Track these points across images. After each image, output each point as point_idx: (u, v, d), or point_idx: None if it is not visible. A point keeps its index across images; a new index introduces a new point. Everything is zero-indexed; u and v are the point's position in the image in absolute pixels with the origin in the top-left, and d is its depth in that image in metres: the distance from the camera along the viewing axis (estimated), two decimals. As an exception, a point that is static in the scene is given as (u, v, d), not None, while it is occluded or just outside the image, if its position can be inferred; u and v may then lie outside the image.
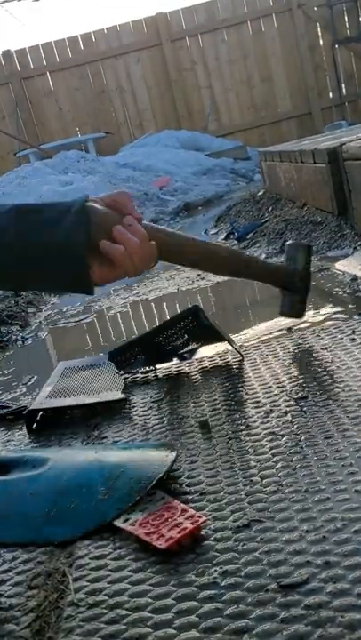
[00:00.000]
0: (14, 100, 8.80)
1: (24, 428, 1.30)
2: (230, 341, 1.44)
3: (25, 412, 1.32)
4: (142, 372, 1.47)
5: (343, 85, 9.04)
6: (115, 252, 0.97)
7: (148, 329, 1.72)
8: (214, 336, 1.45)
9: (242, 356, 1.40)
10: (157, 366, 1.48)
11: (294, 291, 1.40)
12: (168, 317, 1.67)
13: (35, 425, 1.29)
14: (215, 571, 0.73)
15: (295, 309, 1.43)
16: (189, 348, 1.50)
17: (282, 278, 1.38)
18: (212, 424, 1.10)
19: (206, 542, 0.78)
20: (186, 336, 1.46)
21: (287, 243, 1.45)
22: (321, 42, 9.03)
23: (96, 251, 0.97)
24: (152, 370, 1.47)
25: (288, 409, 1.09)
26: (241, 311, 1.98)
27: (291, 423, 1.04)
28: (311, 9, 8.90)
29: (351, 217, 2.36)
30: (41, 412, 1.32)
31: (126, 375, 1.46)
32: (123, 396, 1.30)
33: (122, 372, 1.45)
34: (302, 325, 1.57)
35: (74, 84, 8.89)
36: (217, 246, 1.35)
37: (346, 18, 8.93)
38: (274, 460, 0.93)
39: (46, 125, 8.87)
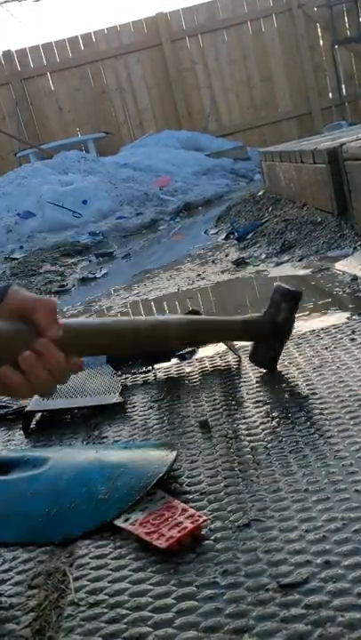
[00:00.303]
0: (14, 101, 8.80)
1: (24, 427, 1.30)
2: (229, 345, 1.44)
3: (22, 414, 1.32)
4: (142, 373, 1.47)
5: (343, 85, 9.04)
6: (9, 379, 0.77)
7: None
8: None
9: (239, 357, 1.40)
10: (157, 366, 1.48)
11: (268, 343, 1.26)
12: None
13: (32, 426, 1.29)
14: (215, 570, 0.73)
15: (266, 362, 1.28)
16: (187, 349, 1.50)
17: (257, 331, 1.24)
18: (212, 424, 1.10)
19: (206, 542, 0.78)
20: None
21: (275, 284, 1.28)
22: (321, 42, 9.03)
23: None
24: (151, 370, 1.47)
25: (288, 409, 1.09)
26: (241, 311, 1.98)
27: (291, 423, 1.04)
28: (311, 9, 8.90)
29: (351, 217, 2.36)
30: (39, 414, 1.32)
31: (126, 375, 1.46)
32: (120, 399, 1.30)
33: (120, 373, 1.45)
34: (302, 325, 1.57)
35: (74, 85, 8.88)
36: (160, 322, 1.10)
37: (346, 18, 8.93)
38: (274, 459, 0.93)
39: (46, 126, 8.87)
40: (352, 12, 8.89)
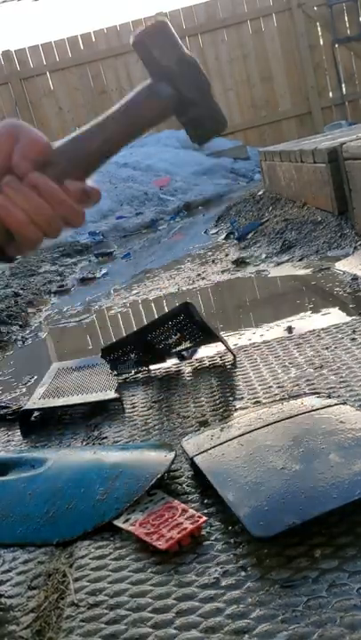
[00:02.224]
0: (14, 100, 8.80)
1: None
2: (223, 341, 1.44)
3: (19, 413, 1.32)
4: (140, 372, 1.47)
5: (343, 85, 9.03)
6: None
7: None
8: (207, 335, 1.45)
9: (234, 356, 1.40)
10: (157, 366, 1.47)
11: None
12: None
13: (29, 426, 1.29)
14: (216, 571, 0.73)
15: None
16: (182, 347, 1.49)
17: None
18: (212, 424, 1.09)
19: (207, 542, 0.78)
20: (178, 334, 1.45)
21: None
22: (321, 41, 9.02)
23: None
24: (145, 370, 1.46)
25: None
26: (241, 311, 1.98)
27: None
28: (311, 8, 8.89)
29: (351, 216, 2.35)
30: (35, 413, 1.32)
31: (126, 375, 1.46)
32: (116, 395, 1.30)
33: (115, 373, 1.45)
34: (303, 325, 1.57)
35: (74, 84, 8.88)
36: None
37: (346, 17, 8.91)
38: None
39: (46, 125, 8.86)
40: (352, 11, 8.88)
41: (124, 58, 8.87)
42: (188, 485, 0.92)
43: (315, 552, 0.71)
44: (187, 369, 1.43)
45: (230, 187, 6.39)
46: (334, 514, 0.74)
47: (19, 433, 1.28)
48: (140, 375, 1.46)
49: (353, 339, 1.35)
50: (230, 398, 1.20)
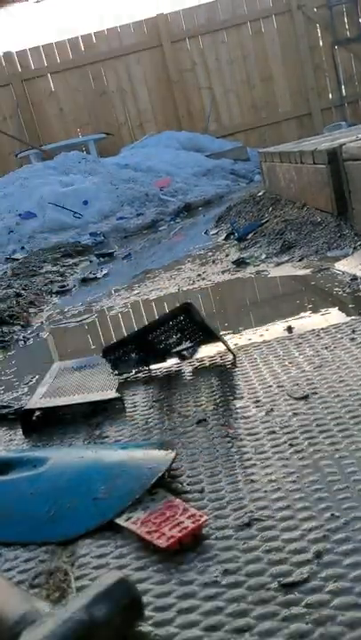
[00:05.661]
0: (15, 101, 8.80)
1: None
2: (223, 341, 1.44)
3: (21, 412, 1.32)
4: (141, 372, 1.47)
5: (343, 86, 9.04)
6: None
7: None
8: (207, 335, 1.45)
9: (234, 355, 1.41)
10: (158, 365, 1.48)
11: None
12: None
13: (31, 425, 1.29)
14: (216, 569, 0.73)
15: None
16: (183, 346, 1.49)
17: None
18: (212, 423, 1.10)
19: (207, 541, 0.78)
20: (178, 334, 1.45)
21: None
22: (321, 43, 9.03)
23: None
24: (146, 370, 1.47)
25: (288, 408, 1.09)
26: (241, 311, 1.99)
27: (291, 422, 1.04)
28: (311, 10, 8.90)
29: (351, 217, 2.36)
30: (36, 413, 1.32)
31: (127, 375, 1.46)
32: (117, 394, 1.31)
33: (116, 372, 1.46)
34: (302, 325, 1.58)
35: (75, 85, 8.89)
36: None
37: (345, 19, 8.93)
38: (274, 458, 0.93)
39: (47, 126, 8.87)
40: (352, 13, 8.89)
41: (124, 59, 8.88)
42: (188, 484, 0.92)
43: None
44: (187, 368, 1.43)
45: (230, 188, 6.40)
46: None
47: (20, 432, 1.28)
48: (140, 375, 1.46)
49: (352, 338, 1.35)
50: (230, 397, 1.20)
